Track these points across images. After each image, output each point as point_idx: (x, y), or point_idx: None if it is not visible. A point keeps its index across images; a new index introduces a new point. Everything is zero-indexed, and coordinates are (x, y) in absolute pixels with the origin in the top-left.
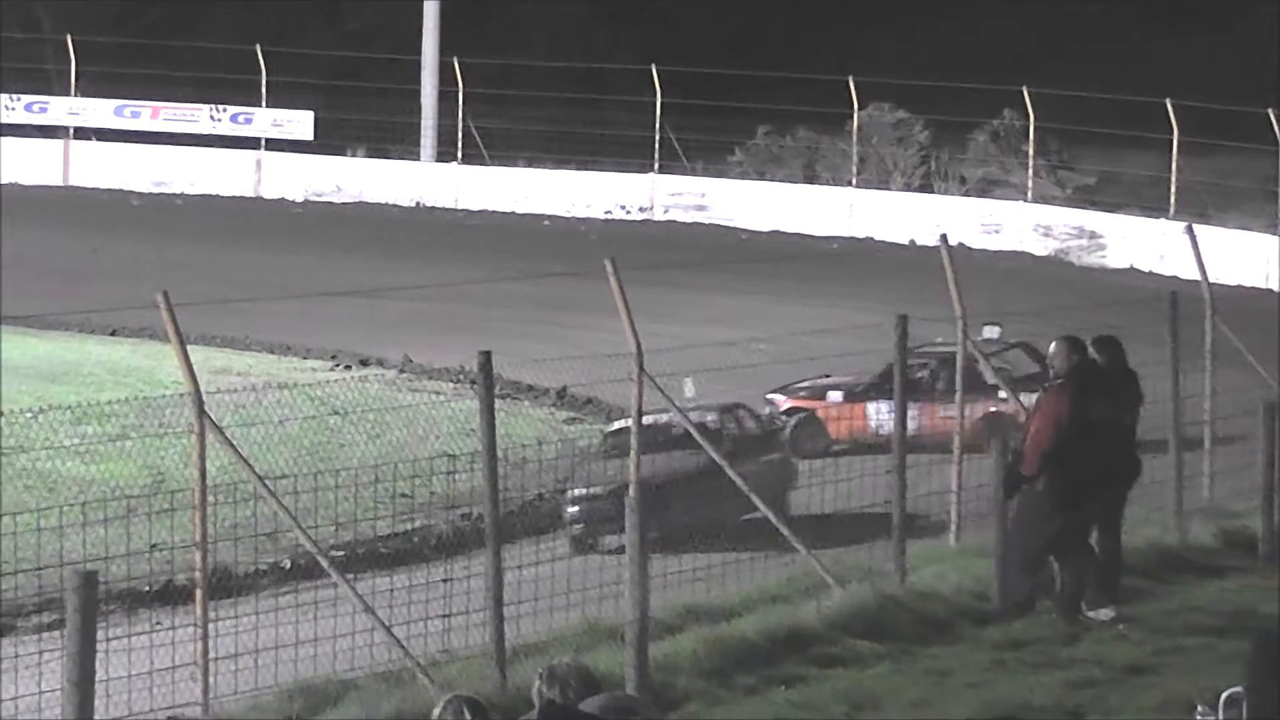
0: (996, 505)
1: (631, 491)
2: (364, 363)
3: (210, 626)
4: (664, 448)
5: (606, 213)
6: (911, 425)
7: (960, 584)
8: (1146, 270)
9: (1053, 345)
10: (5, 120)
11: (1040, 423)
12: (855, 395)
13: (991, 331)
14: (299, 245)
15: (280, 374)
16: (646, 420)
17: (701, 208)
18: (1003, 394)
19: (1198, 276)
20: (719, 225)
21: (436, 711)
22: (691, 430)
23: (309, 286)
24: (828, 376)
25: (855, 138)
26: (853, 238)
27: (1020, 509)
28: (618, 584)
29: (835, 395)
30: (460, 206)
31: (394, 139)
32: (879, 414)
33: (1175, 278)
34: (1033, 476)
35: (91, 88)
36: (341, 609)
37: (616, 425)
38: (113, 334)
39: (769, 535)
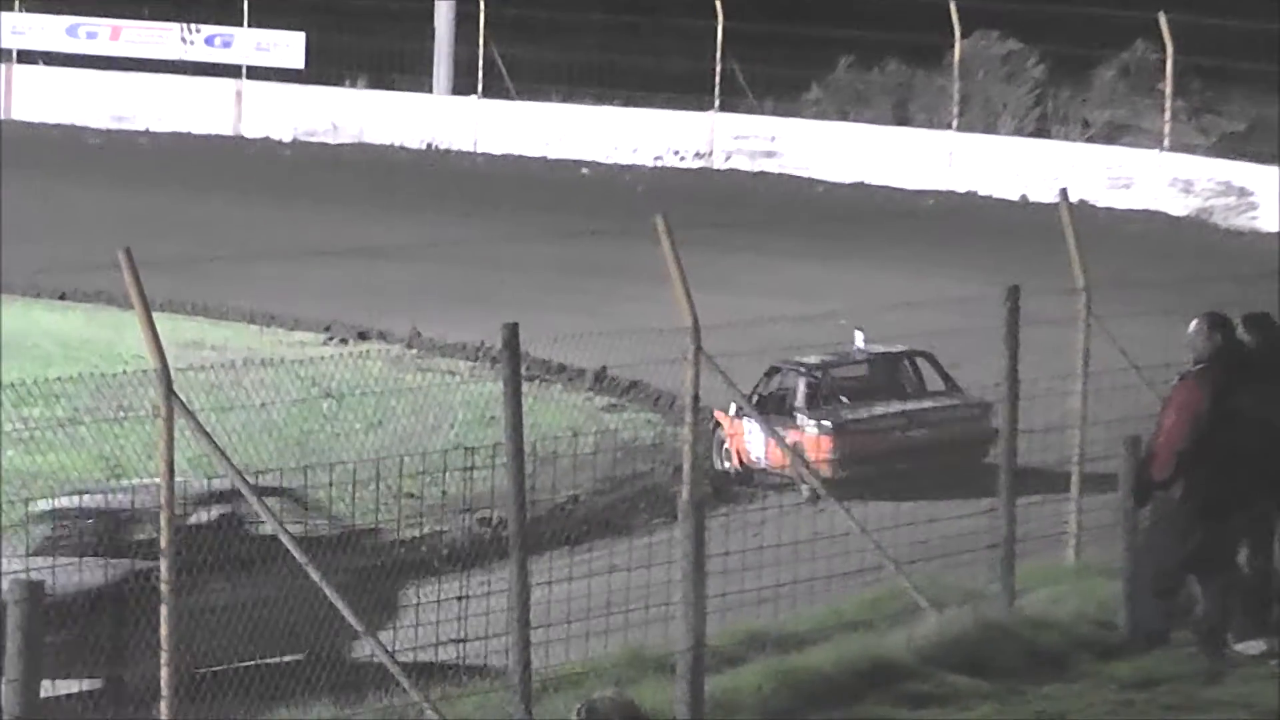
0: (1125, 516)
1: (685, 494)
2: (364, 336)
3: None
4: (82, 549)
5: (656, 159)
6: (760, 452)
7: (1080, 609)
8: None
9: (1192, 324)
10: None
11: (1174, 417)
12: (740, 409)
13: (859, 338)
14: (287, 194)
15: (263, 349)
16: (67, 501)
17: (770, 154)
18: (803, 420)
19: None
20: (791, 176)
21: None
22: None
23: (298, 244)
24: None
25: (956, 72)
26: (952, 192)
27: (1153, 520)
28: (667, 605)
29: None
30: (480, 150)
31: (401, 68)
32: (752, 434)
33: None
34: (1167, 481)
35: (39, 3)
36: None
37: (49, 503)
38: (63, 299)
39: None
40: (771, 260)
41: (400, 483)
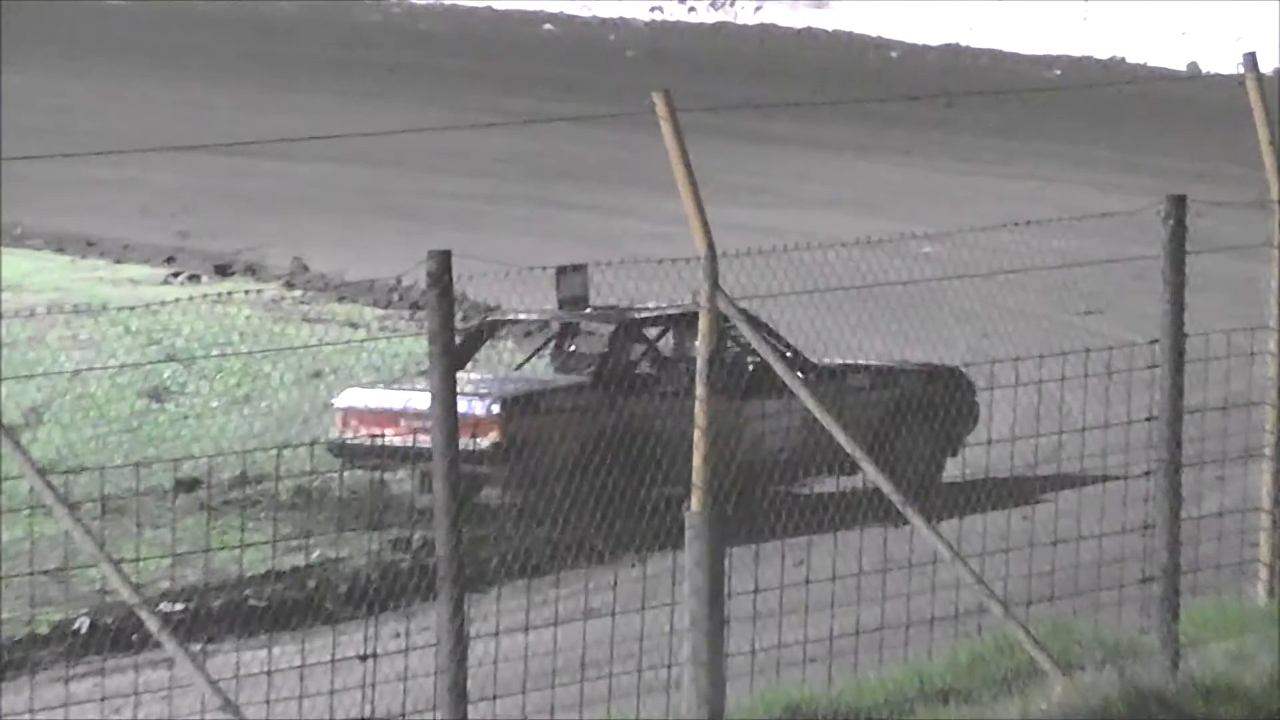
0: None
1: (694, 504)
2: (224, 270)
3: None
4: None
5: (654, 10)
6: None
7: (1275, 672)
8: None
9: None
10: None
11: None
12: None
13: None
14: (120, 62)
15: (78, 289)
16: None
17: (820, 2)
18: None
19: None
20: (851, 35)
21: None
22: None
23: (134, 134)
24: None
25: None
26: (1088, 58)
27: None
28: (670, 665)
29: None
30: None
31: None
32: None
33: None
34: None
35: None
36: (182, 703)
37: None
38: None
39: None
40: (822, 156)
41: (277, 486)
